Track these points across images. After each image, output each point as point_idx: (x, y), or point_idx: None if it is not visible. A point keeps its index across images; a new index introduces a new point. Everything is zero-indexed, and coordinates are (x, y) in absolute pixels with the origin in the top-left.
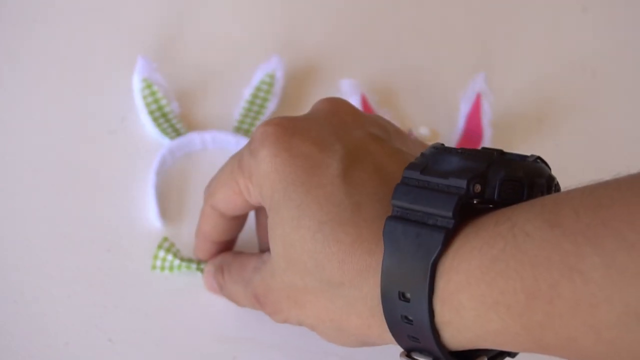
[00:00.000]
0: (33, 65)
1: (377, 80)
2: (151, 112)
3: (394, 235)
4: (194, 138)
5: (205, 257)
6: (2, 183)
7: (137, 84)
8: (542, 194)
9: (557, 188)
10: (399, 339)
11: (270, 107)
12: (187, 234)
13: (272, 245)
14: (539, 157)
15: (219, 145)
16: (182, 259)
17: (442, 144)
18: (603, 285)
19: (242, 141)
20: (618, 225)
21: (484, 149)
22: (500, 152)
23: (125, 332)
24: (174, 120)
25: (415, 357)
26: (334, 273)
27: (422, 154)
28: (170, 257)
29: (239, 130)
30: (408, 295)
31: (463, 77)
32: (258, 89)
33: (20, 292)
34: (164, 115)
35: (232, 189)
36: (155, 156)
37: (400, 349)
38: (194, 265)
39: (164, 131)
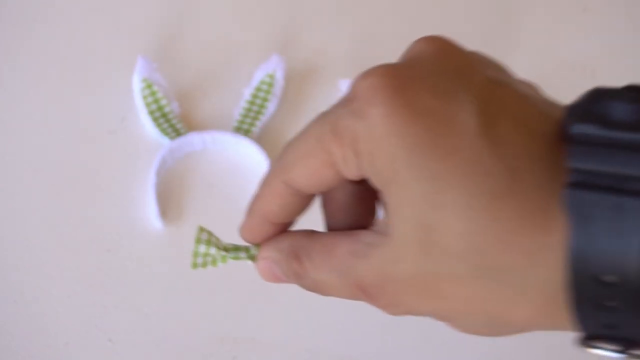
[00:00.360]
0: (33, 65)
1: None
2: (151, 112)
3: (581, 207)
4: (194, 138)
5: (258, 240)
6: (2, 183)
7: (137, 84)
8: None
9: None
10: (587, 328)
11: (270, 107)
12: (188, 234)
13: (398, 228)
14: None
15: (219, 145)
16: (226, 249)
17: (598, 88)
18: None
19: (242, 141)
20: None
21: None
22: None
23: (125, 332)
24: (174, 120)
25: (599, 345)
26: (496, 257)
27: (579, 103)
28: (213, 250)
29: (239, 130)
30: (611, 278)
31: None
32: (258, 89)
33: (20, 292)
34: (164, 115)
35: (320, 161)
36: (155, 156)
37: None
38: (242, 254)
39: (164, 131)
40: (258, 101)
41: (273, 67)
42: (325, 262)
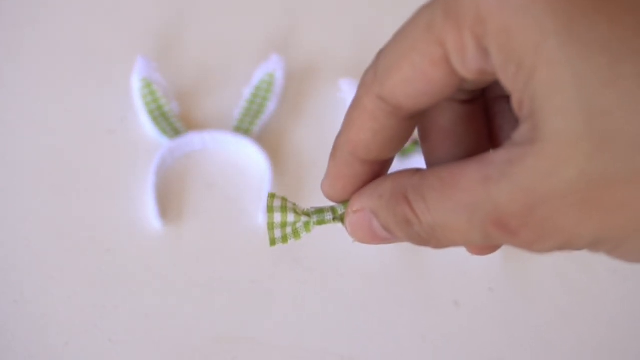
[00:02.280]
0: (33, 66)
1: None
2: (150, 112)
3: None
4: (193, 138)
5: (345, 191)
6: (2, 183)
7: (136, 83)
8: None
9: None
10: None
11: (270, 107)
12: (187, 234)
13: (555, 123)
14: None
15: (218, 145)
16: (306, 214)
17: None
18: None
19: (242, 141)
20: None
21: None
22: None
23: (125, 332)
24: (174, 119)
25: None
26: None
27: None
28: (291, 217)
29: (238, 130)
30: None
31: None
32: (258, 88)
33: (20, 292)
34: (163, 114)
35: (428, 57)
36: (155, 156)
37: None
38: (328, 215)
39: (163, 131)
40: (258, 101)
41: (273, 67)
42: (447, 199)
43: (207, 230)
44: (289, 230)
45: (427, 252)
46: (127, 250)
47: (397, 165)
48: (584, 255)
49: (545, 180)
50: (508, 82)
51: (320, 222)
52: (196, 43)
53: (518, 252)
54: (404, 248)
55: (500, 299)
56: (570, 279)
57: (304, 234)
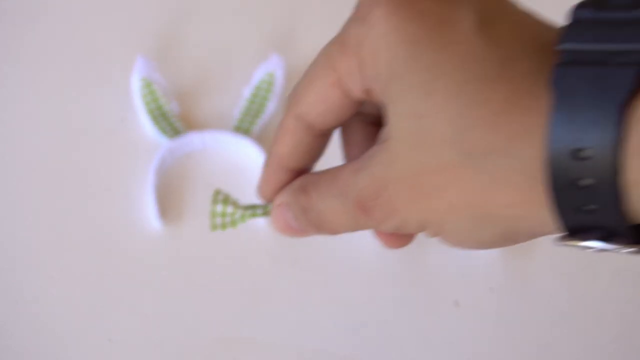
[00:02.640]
0: (33, 66)
1: None
2: (150, 112)
3: (565, 82)
4: (193, 138)
5: (274, 191)
6: (2, 183)
7: (136, 83)
8: None
9: None
10: (564, 214)
11: (270, 107)
12: (187, 234)
13: (394, 125)
14: None
15: (218, 145)
16: (244, 207)
17: None
18: None
19: (242, 141)
20: None
21: None
22: None
23: (125, 332)
24: (173, 119)
25: (577, 242)
26: (481, 140)
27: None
28: (230, 208)
29: (238, 129)
30: (586, 151)
31: None
32: (258, 88)
33: (20, 292)
34: (163, 114)
35: (327, 81)
36: (154, 156)
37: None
38: (259, 210)
39: (163, 130)
40: (258, 100)
41: (273, 67)
42: (330, 188)
43: (207, 230)
44: (227, 219)
45: (428, 252)
46: (127, 250)
47: None
48: (584, 255)
49: (387, 170)
50: (378, 96)
51: (253, 215)
52: (196, 43)
53: (518, 251)
54: (404, 248)
55: (501, 299)
56: (571, 279)
57: (239, 225)
